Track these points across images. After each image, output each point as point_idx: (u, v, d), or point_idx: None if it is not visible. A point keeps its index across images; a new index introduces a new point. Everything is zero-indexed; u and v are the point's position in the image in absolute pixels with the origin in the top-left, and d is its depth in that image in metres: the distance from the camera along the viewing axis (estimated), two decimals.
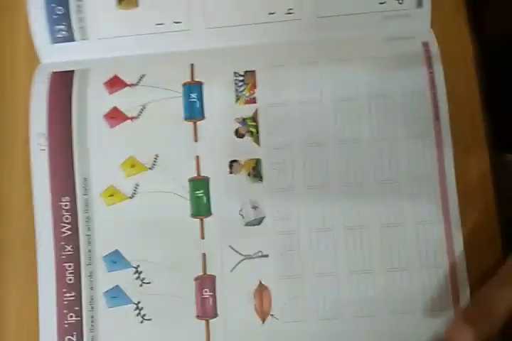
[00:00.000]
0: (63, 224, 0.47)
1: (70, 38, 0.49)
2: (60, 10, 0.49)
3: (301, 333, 0.45)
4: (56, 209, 0.47)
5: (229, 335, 0.45)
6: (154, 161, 0.47)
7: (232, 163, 0.47)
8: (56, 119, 0.48)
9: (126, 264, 0.47)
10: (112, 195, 0.47)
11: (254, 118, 0.47)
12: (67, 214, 0.47)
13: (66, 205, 0.48)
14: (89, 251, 0.47)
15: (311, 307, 0.45)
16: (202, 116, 0.48)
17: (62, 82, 0.49)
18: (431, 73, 0.47)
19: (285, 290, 0.45)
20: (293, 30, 0.49)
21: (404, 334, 0.45)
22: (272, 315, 0.45)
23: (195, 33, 0.49)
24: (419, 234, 0.45)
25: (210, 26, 0.49)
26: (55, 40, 0.49)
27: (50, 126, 0.48)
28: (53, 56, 0.50)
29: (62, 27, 0.49)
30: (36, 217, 0.47)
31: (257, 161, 0.47)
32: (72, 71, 0.49)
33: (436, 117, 0.46)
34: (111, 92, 0.48)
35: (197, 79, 0.48)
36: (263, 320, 0.45)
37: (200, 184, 0.47)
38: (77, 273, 0.47)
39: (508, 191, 0.46)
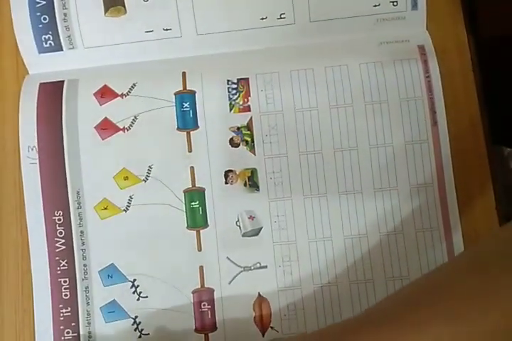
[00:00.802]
0: (57, 239, 0.46)
1: (58, 48, 0.48)
2: (45, 19, 0.48)
3: None
4: (49, 224, 0.47)
5: None
6: (148, 173, 0.47)
7: (227, 173, 0.46)
8: (46, 132, 0.47)
9: (123, 278, 0.46)
10: (105, 208, 0.47)
11: (248, 126, 0.47)
12: (60, 229, 0.47)
13: (59, 219, 0.47)
14: (85, 265, 0.46)
15: (311, 319, 0.45)
16: (195, 126, 0.47)
17: (51, 94, 0.48)
18: (427, 77, 0.46)
19: (285, 302, 0.45)
20: (286, 35, 0.48)
21: None
22: (271, 327, 0.45)
23: (185, 40, 0.48)
24: (419, 242, 0.45)
25: (201, 32, 0.48)
26: (42, 49, 0.48)
27: (40, 139, 0.47)
28: (41, 66, 0.49)
29: (48, 36, 0.48)
30: (30, 231, 0.47)
31: (253, 171, 0.46)
32: (61, 81, 0.48)
33: (434, 123, 0.46)
34: (101, 103, 0.47)
35: (189, 88, 0.47)
36: (263, 333, 0.45)
37: (195, 195, 0.46)
38: (73, 288, 0.46)
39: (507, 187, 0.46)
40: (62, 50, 0.48)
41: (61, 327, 0.46)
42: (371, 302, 0.44)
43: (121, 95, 0.48)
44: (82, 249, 0.46)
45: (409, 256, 0.45)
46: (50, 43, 0.48)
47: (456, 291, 0.33)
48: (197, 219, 0.46)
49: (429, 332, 0.32)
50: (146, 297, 0.46)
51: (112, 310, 0.46)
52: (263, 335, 0.45)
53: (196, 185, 0.46)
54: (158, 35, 0.48)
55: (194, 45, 0.48)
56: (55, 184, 0.47)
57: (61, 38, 0.48)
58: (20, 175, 0.47)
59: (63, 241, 0.46)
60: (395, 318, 0.34)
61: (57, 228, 0.47)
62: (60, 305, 0.46)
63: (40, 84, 0.48)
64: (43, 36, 0.48)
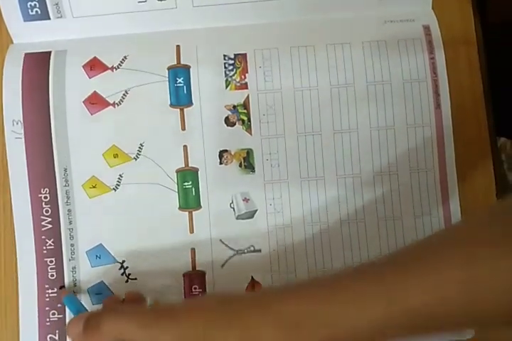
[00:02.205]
0: (43, 217, 0.45)
1: (44, 16, 0.45)
2: None
3: None
4: (35, 202, 0.45)
5: None
6: (139, 151, 0.45)
7: (222, 153, 0.45)
8: (32, 105, 0.45)
9: (111, 259, 0.44)
10: (94, 187, 0.45)
11: (245, 105, 0.45)
12: (47, 207, 0.45)
13: (46, 197, 0.45)
14: (72, 245, 0.45)
15: None
16: (189, 103, 0.45)
17: (37, 65, 0.45)
18: (432, 58, 0.45)
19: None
20: (287, 10, 0.45)
21: None
22: None
23: (181, 12, 0.46)
24: (418, 228, 0.44)
25: (198, 4, 0.45)
26: (28, 17, 0.45)
27: (26, 112, 0.45)
28: (26, 36, 0.46)
29: (34, 3, 0.45)
30: (14, 209, 0.45)
31: (249, 151, 0.45)
32: (48, 52, 0.45)
33: (438, 105, 0.44)
34: (90, 76, 0.45)
35: (183, 63, 0.45)
36: None
37: (188, 175, 0.45)
38: (59, 269, 0.44)
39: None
40: (49, 18, 0.45)
41: (46, 308, 0.44)
42: None
43: (112, 68, 0.45)
44: (69, 228, 0.45)
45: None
46: (37, 11, 0.45)
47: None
48: (189, 200, 0.44)
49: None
50: (135, 279, 0.44)
51: (100, 291, 0.45)
52: None
53: (189, 165, 0.45)
54: (151, 6, 0.45)
55: (190, 17, 0.46)
56: (41, 160, 0.45)
57: (48, 5, 0.45)
58: (3, 150, 0.45)
59: (50, 219, 0.45)
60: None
61: (44, 206, 0.45)
62: (46, 286, 0.44)
63: (26, 54, 0.45)
64: (29, 3, 0.45)
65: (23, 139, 0.45)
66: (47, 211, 0.45)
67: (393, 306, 0.32)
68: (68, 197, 0.45)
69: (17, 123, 0.45)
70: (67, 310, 0.44)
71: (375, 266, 0.35)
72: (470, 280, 0.31)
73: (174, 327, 0.35)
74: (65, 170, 0.45)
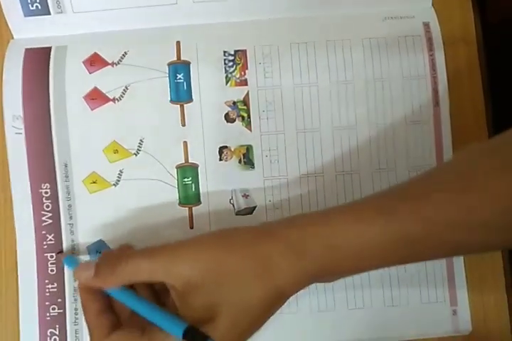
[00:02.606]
0: (44, 212, 0.45)
1: (45, 11, 0.45)
2: None
3: (293, 325, 0.44)
4: (36, 197, 0.45)
5: None
6: (139, 146, 0.45)
7: (222, 149, 0.45)
8: (32, 101, 0.45)
9: None
10: (94, 182, 0.45)
11: (245, 101, 0.45)
12: (47, 202, 0.45)
13: (46, 192, 0.45)
14: (72, 240, 0.45)
15: (305, 299, 0.44)
16: (189, 99, 0.45)
17: (38, 60, 0.45)
18: (431, 56, 0.45)
19: None
20: (287, 6, 0.45)
21: None
22: None
23: (181, 7, 0.46)
24: None
25: (198, 0, 0.45)
26: (28, 12, 0.45)
27: (26, 107, 0.45)
28: (27, 31, 0.46)
29: None
30: (15, 204, 0.45)
31: (249, 147, 0.45)
32: (48, 48, 0.45)
33: (436, 103, 0.45)
34: (91, 71, 0.45)
35: (184, 58, 0.45)
36: None
37: (188, 171, 0.45)
38: (59, 263, 0.45)
39: None
40: (49, 13, 0.45)
41: (46, 303, 0.44)
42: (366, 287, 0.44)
43: (112, 64, 0.45)
44: (69, 224, 0.45)
45: None
46: (37, 6, 0.45)
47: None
48: (189, 196, 0.45)
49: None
50: None
51: None
52: None
53: (189, 161, 0.45)
54: (152, 2, 0.45)
55: (190, 13, 0.46)
56: (41, 155, 0.45)
57: (48, 0, 0.45)
58: (4, 145, 0.45)
59: (50, 214, 0.45)
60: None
61: (44, 201, 0.45)
62: (46, 281, 0.45)
63: (26, 49, 0.45)
64: None
65: (24, 134, 0.45)
66: (47, 206, 0.45)
67: (391, 223, 0.34)
68: (68, 193, 0.45)
69: (17, 119, 0.45)
70: (67, 303, 0.44)
71: (371, 196, 0.37)
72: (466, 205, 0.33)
73: (190, 254, 0.36)
74: (66, 165, 0.45)
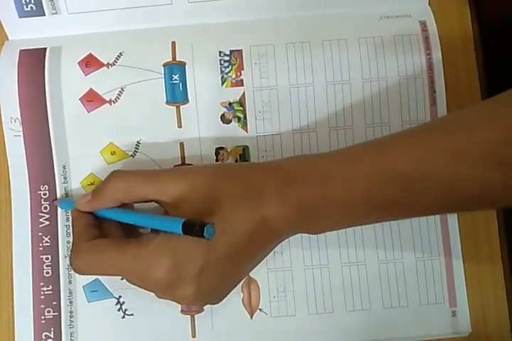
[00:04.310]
0: (41, 214, 0.45)
1: (39, 12, 0.45)
2: None
3: (291, 328, 0.44)
4: (35, 198, 0.45)
5: (216, 330, 0.44)
6: (136, 148, 0.45)
7: (218, 150, 0.44)
8: (29, 103, 0.44)
9: None
10: (92, 184, 0.45)
11: (241, 102, 0.45)
12: (45, 204, 0.45)
13: (45, 194, 0.45)
14: (68, 242, 0.44)
15: (301, 301, 0.44)
16: (185, 100, 0.45)
17: (33, 61, 0.45)
18: (428, 55, 0.44)
19: (274, 284, 0.44)
20: (283, 5, 0.45)
21: None
22: (260, 309, 0.44)
23: (176, 8, 0.45)
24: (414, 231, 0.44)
25: (193, 0, 0.45)
26: (23, 14, 0.45)
27: (23, 110, 0.44)
28: (21, 32, 0.46)
29: None
30: (14, 205, 0.45)
31: (245, 148, 0.44)
32: (43, 49, 0.45)
33: (433, 102, 0.44)
34: (86, 73, 0.45)
35: (179, 59, 0.45)
36: (251, 315, 0.44)
37: None
38: (55, 266, 0.44)
39: None
40: (44, 14, 0.45)
41: (41, 306, 0.44)
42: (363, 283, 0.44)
43: (107, 65, 0.45)
44: (66, 225, 0.44)
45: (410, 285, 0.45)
46: (32, 7, 0.45)
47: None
48: None
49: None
50: None
51: (95, 289, 0.44)
52: (251, 317, 0.44)
53: (186, 162, 0.44)
54: (147, 2, 0.45)
55: (185, 13, 0.45)
56: (40, 157, 0.45)
57: (43, 1, 0.45)
58: (3, 147, 0.45)
59: (47, 216, 0.45)
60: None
61: (43, 203, 0.45)
62: (41, 283, 0.44)
63: (21, 51, 0.45)
64: None
65: (22, 137, 0.45)
66: (45, 208, 0.45)
67: (382, 157, 0.35)
68: (67, 194, 0.45)
69: (15, 121, 0.44)
70: (63, 306, 0.44)
71: (368, 141, 0.38)
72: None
73: (185, 176, 0.38)
74: (64, 167, 0.45)
